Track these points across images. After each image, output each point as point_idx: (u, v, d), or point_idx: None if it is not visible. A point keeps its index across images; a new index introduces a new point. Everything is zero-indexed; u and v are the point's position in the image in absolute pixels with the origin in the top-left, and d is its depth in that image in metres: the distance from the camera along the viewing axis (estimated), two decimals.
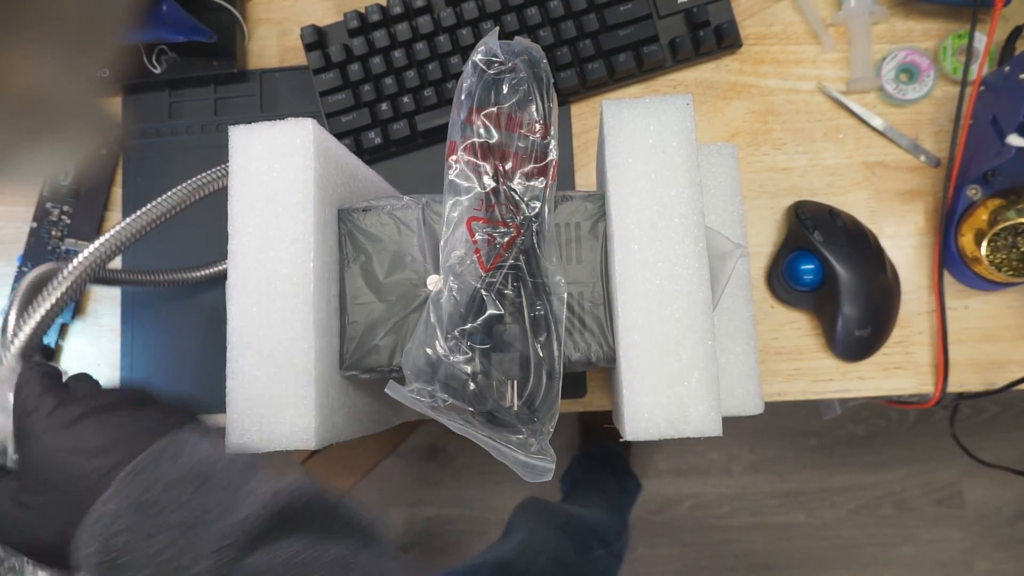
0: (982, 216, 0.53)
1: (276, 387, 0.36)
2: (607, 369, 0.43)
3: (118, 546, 0.30)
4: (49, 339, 0.60)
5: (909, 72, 0.57)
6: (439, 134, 0.59)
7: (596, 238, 0.40)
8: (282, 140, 0.39)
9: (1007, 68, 0.51)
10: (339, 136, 0.58)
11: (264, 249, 0.38)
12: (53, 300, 0.37)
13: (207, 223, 0.57)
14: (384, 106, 0.58)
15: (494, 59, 0.38)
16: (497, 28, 0.41)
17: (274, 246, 0.37)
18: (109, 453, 0.31)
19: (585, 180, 0.59)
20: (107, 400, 0.34)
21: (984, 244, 0.52)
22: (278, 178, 0.38)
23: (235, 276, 0.38)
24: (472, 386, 0.36)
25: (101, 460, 0.31)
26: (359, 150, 0.59)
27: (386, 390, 0.36)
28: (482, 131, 0.37)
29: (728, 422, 0.44)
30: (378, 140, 0.58)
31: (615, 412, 0.42)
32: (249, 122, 0.39)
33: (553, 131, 0.38)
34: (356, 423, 0.42)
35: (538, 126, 0.38)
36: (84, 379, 0.37)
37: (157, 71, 0.60)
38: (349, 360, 0.40)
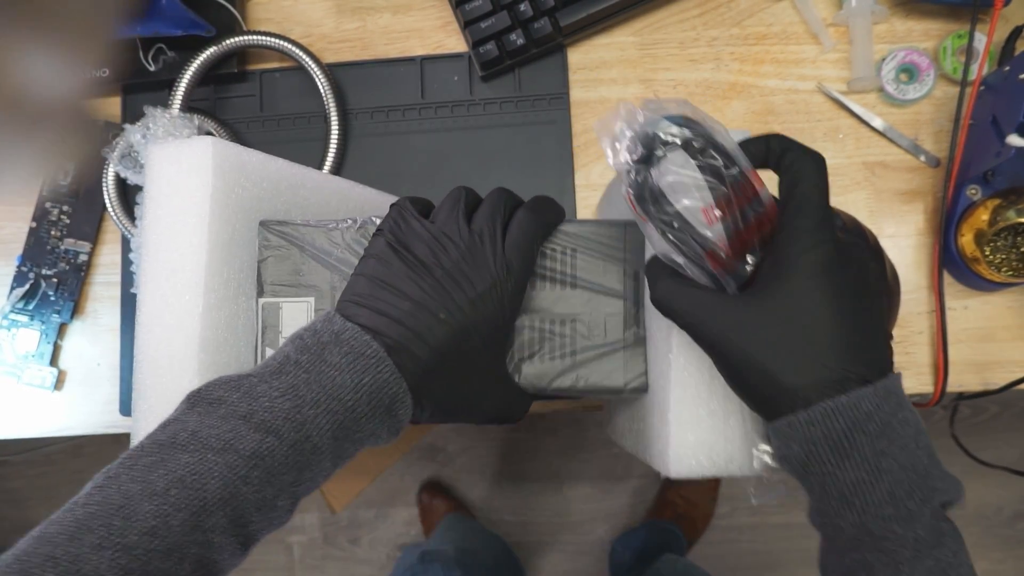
0: (982, 216, 0.53)
1: (170, 396, 0.37)
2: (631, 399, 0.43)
3: None
4: (48, 338, 0.60)
5: (909, 72, 0.57)
6: (584, 28, 0.59)
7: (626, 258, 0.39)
8: (183, 158, 0.38)
9: (1007, 68, 0.51)
10: (480, 42, 0.58)
11: (165, 262, 0.39)
12: (191, 70, 0.56)
13: None
14: (523, 6, 0.57)
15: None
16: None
17: (172, 262, 0.38)
18: None
19: (585, 179, 0.59)
20: None
21: (984, 244, 0.52)
22: (182, 195, 0.38)
23: (142, 292, 0.39)
24: None
25: None
26: (502, 54, 0.58)
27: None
28: None
29: None
30: (520, 41, 0.58)
31: (640, 442, 0.42)
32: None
33: None
34: None
35: None
36: None
37: (152, 68, 0.60)
38: None
